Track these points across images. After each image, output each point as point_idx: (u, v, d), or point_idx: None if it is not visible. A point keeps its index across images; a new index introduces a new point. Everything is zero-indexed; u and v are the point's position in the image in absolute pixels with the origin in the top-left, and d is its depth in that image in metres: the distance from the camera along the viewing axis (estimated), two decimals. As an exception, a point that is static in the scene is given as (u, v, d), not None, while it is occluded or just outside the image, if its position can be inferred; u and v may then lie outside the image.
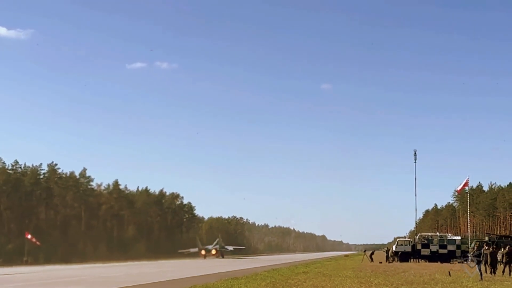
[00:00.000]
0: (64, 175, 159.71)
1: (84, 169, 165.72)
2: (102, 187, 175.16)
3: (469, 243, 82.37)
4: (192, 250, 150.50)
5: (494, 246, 47.99)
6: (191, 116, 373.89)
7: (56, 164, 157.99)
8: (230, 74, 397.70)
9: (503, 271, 40.55)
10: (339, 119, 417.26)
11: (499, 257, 43.52)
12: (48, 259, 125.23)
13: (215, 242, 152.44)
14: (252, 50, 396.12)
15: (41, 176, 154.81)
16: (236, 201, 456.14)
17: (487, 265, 40.27)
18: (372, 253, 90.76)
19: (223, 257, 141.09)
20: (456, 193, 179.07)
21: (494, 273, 39.82)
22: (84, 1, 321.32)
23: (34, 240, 66.30)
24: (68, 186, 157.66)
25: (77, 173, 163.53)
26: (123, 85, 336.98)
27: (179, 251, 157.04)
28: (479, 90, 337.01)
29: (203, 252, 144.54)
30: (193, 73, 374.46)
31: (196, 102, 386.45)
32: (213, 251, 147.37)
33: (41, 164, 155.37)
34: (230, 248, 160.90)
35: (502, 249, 46.58)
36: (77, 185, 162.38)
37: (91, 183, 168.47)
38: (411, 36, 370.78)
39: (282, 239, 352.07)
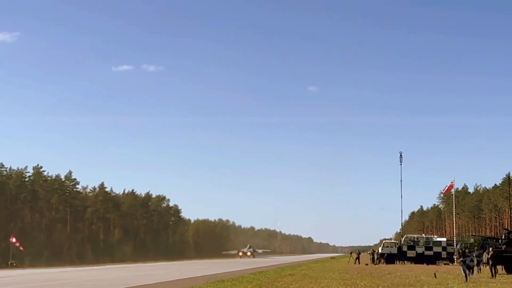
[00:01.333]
0: (49, 178, 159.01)
1: (70, 172, 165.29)
2: (88, 190, 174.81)
3: (455, 245, 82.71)
4: (232, 252, 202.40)
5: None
6: (178, 118, 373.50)
7: (41, 167, 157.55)
8: (217, 76, 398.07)
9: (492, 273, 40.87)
10: (326, 121, 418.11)
11: (484, 258, 43.73)
12: (34, 263, 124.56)
13: (247, 246, 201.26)
14: (239, 52, 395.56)
15: (26, 179, 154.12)
16: (222, 203, 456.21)
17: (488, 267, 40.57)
18: (359, 255, 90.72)
19: (254, 257, 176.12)
20: (442, 195, 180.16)
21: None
22: (70, 3, 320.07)
23: (17, 244, 65.80)
24: (54, 189, 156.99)
25: (62, 176, 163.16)
26: (109, 87, 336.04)
27: (223, 252, 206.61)
28: (465, 91, 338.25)
29: (240, 253, 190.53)
30: (180, 76, 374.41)
31: (183, 104, 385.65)
32: (248, 253, 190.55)
33: (26, 167, 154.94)
34: (260, 251, 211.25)
35: (488, 251, 46.80)
36: (63, 188, 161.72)
37: (77, 186, 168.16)
38: (396, 37, 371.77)
39: (268, 241, 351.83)
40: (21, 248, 72.51)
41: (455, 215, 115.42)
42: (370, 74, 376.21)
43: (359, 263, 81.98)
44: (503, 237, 51.17)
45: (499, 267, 45.71)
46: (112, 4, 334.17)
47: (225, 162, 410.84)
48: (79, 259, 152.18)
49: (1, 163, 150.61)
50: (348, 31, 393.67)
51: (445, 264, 76.12)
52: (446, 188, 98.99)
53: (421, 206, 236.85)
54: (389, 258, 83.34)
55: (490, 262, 41.22)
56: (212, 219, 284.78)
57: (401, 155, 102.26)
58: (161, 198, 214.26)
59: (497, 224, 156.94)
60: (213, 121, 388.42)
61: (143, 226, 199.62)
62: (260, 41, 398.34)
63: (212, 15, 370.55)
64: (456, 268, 41.29)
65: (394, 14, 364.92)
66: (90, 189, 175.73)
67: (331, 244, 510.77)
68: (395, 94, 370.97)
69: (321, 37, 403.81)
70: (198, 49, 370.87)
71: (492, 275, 39.17)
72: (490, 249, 46.28)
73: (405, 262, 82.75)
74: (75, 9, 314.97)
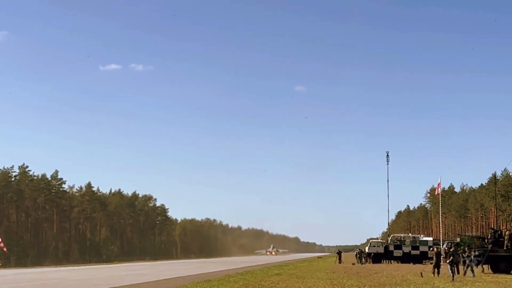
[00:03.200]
0: (35, 178, 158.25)
1: (56, 171, 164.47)
2: (74, 189, 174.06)
3: (441, 244, 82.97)
4: (261, 251, 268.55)
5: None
6: (165, 118, 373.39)
7: (27, 166, 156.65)
8: (205, 76, 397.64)
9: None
10: (312, 120, 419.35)
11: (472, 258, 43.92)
12: (20, 262, 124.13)
13: (271, 247, 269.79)
14: (227, 51, 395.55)
15: (12, 179, 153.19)
16: (209, 203, 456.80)
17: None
18: (340, 254, 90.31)
19: (276, 255, 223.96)
20: (433, 195, 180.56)
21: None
22: (58, 2, 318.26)
23: (2, 245, 65.34)
24: (40, 189, 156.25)
25: (48, 175, 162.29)
26: (97, 87, 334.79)
27: (255, 251, 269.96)
28: (452, 90, 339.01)
29: (268, 252, 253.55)
30: (169, 75, 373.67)
31: (171, 104, 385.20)
32: (273, 252, 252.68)
33: (12, 166, 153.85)
34: (280, 250, 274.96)
35: (473, 250, 46.98)
36: (49, 187, 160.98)
37: (63, 185, 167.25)
38: (383, 36, 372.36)
39: (255, 241, 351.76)
40: (5, 249, 72.04)
41: (442, 215, 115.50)
42: (357, 73, 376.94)
43: (339, 262, 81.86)
44: (489, 236, 51.39)
45: (485, 266, 46.01)
46: (100, 3, 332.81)
47: (212, 161, 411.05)
48: (66, 259, 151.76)
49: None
50: (335, 30, 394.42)
51: (431, 263, 76.31)
52: (438, 189, 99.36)
53: (408, 206, 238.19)
54: (376, 258, 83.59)
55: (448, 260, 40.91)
56: (199, 218, 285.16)
57: (388, 155, 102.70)
58: (147, 198, 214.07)
59: (484, 223, 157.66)
60: (200, 120, 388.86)
61: (130, 226, 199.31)
62: (249, 42, 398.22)
63: (201, 15, 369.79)
64: (443, 268, 41.45)
65: (382, 12, 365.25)
66: (77, 189, 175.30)
67: (318, 243, 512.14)
68: (382, 94, 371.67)
69: (309, 37, 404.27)
70: (187, 49, 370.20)
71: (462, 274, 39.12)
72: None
73: (392, 261, 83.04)
74: (63, 9, 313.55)
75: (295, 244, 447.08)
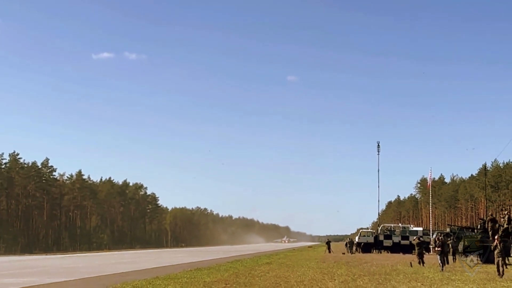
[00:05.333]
0: (26, 165, 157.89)
1: (47, 159, 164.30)
2: (65, 177, 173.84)
3: (431, 235, 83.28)
4: (279, 240, 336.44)
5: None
6: (156, 106, 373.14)
7: (18, 154, 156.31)
8: (197, 64, 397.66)
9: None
10: (304, 110, 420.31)
11: (460, 248, 44.12)
12: (10, 250, 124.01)
13: (285, 237, 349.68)
14: (220, 39, 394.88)
15: (3, 166, 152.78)
16: (200, 192, 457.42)
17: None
18: (329, 244, 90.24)
19: (288, 243, 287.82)
20: (423, 185, 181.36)
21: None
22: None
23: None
24: (30, 176, 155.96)
25: (39, 163, 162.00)
26: (89, 75, 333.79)
27: (274, 240, 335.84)
28: (443, 80, 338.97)
29: (282, 241, 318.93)
30: (161, 64, 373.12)
31: (162, 92, 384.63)
32: (286, 241, 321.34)
33: (2, 153, 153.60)
34: (292, 239, 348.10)
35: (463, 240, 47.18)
36: (39, 175, 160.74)
37: (54, 173, 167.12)
38: (374, 24, 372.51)
39: (246, 230, 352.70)
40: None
41: (432, 205, 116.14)
42: (350, 61, 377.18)
43: (329, 252, 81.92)
44: (478, 227, 51.56)
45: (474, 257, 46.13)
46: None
47: (204, 150, 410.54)
48: (56, 247, 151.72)
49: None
50: (327, 19, 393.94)
51: (413, 253, 76.57)
52: (429, 181, 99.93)
53: (398, 196, 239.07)
54: (366, 247, 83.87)
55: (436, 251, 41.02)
56: (189, 207, 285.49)
57: (378, 145, 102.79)
58: (138, 186, 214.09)
59: (473, 214, 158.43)
60: (191, 109, 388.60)
61: (120, 214, 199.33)
62: (242, 30, 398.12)
63: (193, 3, 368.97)
64: (432, 258, 41.59)
65: (375, 1, 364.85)
66: (67, 177, 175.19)
67: (308, 233, 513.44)
68: (373, 82, 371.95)
69: (301, 26, 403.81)
70: (180, 37, 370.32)
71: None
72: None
73: (382, 251, 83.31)
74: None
75: (285, 233, 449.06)
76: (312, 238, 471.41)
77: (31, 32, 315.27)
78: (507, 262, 32.39)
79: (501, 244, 29.46)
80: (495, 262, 29.61)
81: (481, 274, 31.61)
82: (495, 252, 29.59)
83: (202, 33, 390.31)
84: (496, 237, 31.47)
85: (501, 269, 29.02)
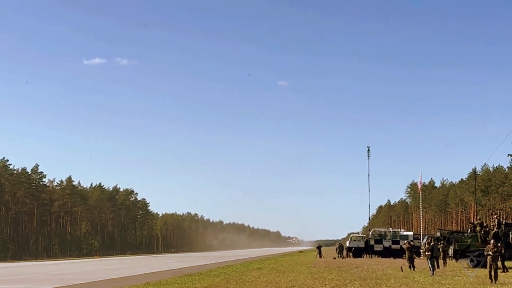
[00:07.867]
0: (15, 171, 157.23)
1: (36, 165, 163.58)
2: (55, 183, 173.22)
3: (421, 239, 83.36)
4: (290, 240, 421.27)
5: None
6: (147, 112, 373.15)
7: (7, 160, 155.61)
8: (189, 70, 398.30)
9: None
10: (294, 115, 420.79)
11: (450, 252, 44.14)
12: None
13: (294, 238, 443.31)
14: (211, 45, 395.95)
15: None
16: (190, 197, 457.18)
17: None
18: (319, 249, 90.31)
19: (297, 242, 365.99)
20: (413, 190, 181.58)
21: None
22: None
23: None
24: (20, 182, 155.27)
25: (29, 169, 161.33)
26: (80, 80, 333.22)
27: (287, 240, 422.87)
28: (432, 85, 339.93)
29: (293, 241, 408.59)
30: (154, 70, 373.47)
31: (154, 98, 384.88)
32: (296, 241, 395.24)
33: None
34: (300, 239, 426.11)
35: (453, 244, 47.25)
36: (29, 181, 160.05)
37: (44, 179, 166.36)
38: (364, 29, 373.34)
39: (236, 235, 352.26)
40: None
41: (422, 209, 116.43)
42: (340, 66, 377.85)
43: (320, 257, 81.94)
44: (468, 231, 51.64)
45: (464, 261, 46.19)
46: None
47: (195, 156, 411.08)
48: (46, 253, 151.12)
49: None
50: (317, 25, 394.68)
51: (404, 257, 76.64)
52: (419, 185, 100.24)
53: (389, 200, 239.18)
54: (357, 252, 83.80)
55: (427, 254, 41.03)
56: (180, 213, 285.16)
57: (369, 150, 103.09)
58: (129, 192, 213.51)
59: (463, 218, 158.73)
60: (183, 114, 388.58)
61: (111, 220, 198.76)
62: (233, 36, 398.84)
63: (185, 9, 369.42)
64: (423, 262, 41.63)
65: (366, 3, 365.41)
66: (57, 183, 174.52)
67: (299, 238, 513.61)
68: (363, 87, 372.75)
69: (291, 32, 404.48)
70: (172, 43, 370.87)
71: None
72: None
73: (372, 256, 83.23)
74: (47, 2, 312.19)
75: (275, 238, 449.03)
76: (302, 243, 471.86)
77: (23, 38, 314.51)
78: (499, 266, 32.37)
79: (494, 249, 29.39)
80: (487, 266, 29.52)
81: (471, 278, 31.68)
82: (488, 257, 29.50)
83: (194, 38, 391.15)
84: (492, 241, 31.39)
85: (493, 274, 28.85)
